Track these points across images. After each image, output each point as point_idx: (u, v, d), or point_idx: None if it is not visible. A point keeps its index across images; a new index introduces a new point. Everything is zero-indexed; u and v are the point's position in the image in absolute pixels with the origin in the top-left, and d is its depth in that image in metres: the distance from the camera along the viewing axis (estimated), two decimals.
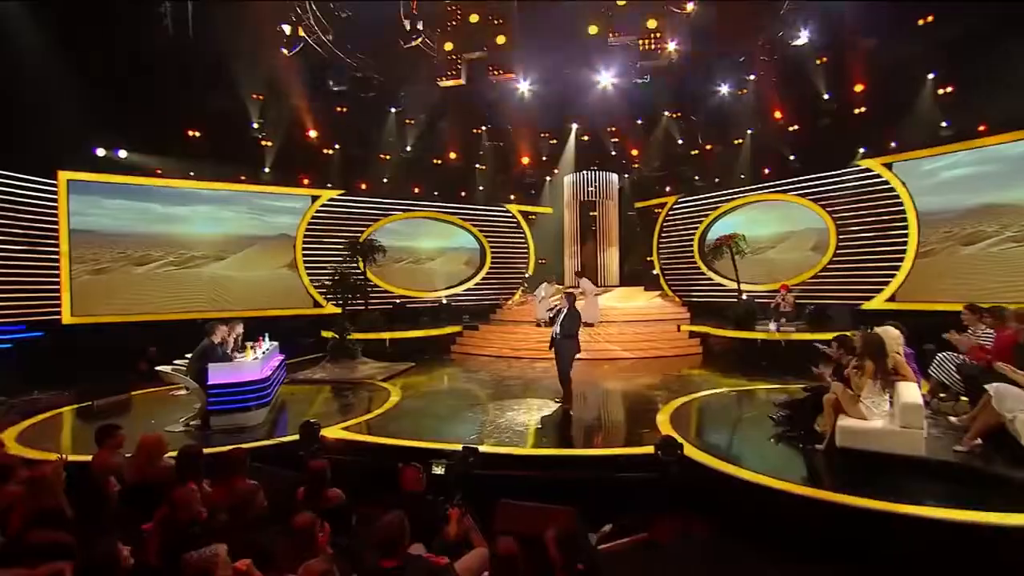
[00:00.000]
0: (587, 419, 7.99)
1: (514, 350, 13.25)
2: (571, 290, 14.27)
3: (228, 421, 7.48)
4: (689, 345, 13.14)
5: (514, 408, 8.43)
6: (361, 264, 14.63)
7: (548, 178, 18.94)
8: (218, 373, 7.58)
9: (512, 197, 19.39)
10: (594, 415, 8.46)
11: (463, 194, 18.46)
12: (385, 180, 17.02)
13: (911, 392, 5.53)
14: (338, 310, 14.59)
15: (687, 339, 13.30)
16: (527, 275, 18.51)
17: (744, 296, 13.88)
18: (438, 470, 5.52)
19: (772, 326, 12.45)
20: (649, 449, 5.99)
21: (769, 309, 13.25)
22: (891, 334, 5.99)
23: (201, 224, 14.75)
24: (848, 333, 6.91)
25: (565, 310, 7.93)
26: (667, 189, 18.22)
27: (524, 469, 6.19)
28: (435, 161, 17.33)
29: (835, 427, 5.74)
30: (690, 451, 6.03)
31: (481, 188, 18.48)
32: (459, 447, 5.97)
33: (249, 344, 8.33)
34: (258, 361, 8.15)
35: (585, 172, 18.02)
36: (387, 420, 8.12)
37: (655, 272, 18.01)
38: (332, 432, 7.34)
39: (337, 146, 15.63)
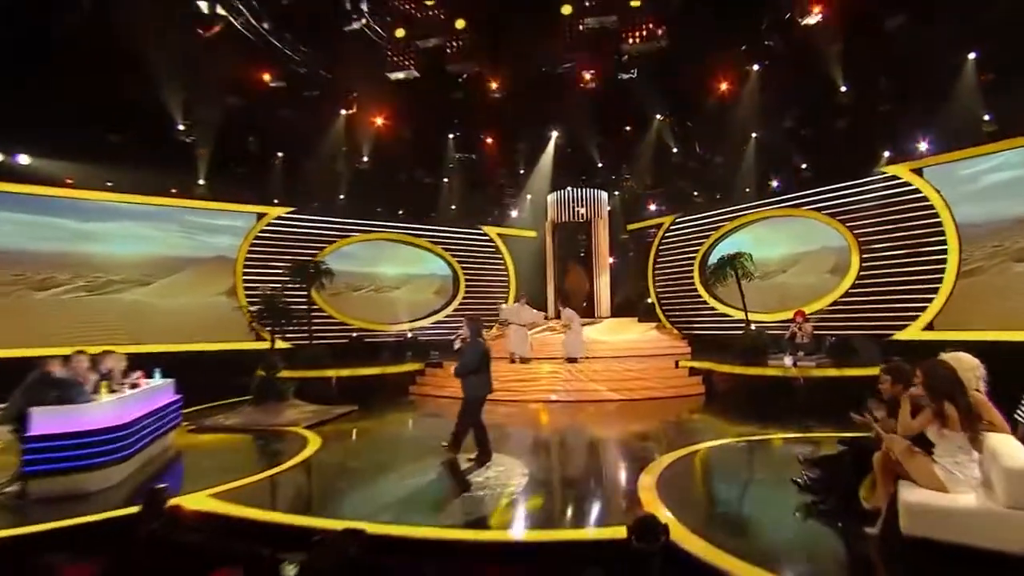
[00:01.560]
0: (546, 482, 6.29)
1: None
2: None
3: (55, 486, 5.52)
4: (689, 384, 11.82)
5: (458, 472, 6.74)
6: (312, 290, 13.34)
7: (529, 196, 17.81)
8: (46, 419, 5.67)
9: (490, 218, 18.39)
10: (558, 475, 6.75)
11: (433, 214, 17.24)
12: (342, 197, 15.69)
13: (1014, 450, 3.58)
14: (286, 344, 13.20)
15: (686, 377, 11.98)
16: (504, 305, 16.51)
17: (752, 326, 12.49)
18: (289, 573, 3.54)
19: (788, 360, 10.92)
20: (621, 532, 4.02)
21: (783, 341, 11.76)
22: (966, 363, 4.23)
23: (122, 243, 13.10)
24: (895, 359, 5.02)
25: (470, 339, 6.73)
26: (662, 208, 17.33)
27: (436, 556, 4.25)
28: (399, 175, 16.02)
29: (896, 501, 3.78)
30: (679, 534, 4.14)
31: (453, 207, 17.34)
32: (342, 527, 3.99)
33: (105, 381, 6.39)
34: (115, 403, 6.25)
35: (571, 189, 17.06)
36: (278, 483, 6.45)
37: (650, 301, 16.65)
38: (195, 500, 5.40)
39: (280, 154, 13.97)
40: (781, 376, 10.70)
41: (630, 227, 18.06)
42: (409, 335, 15.65)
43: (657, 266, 17.09)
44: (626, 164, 16.22)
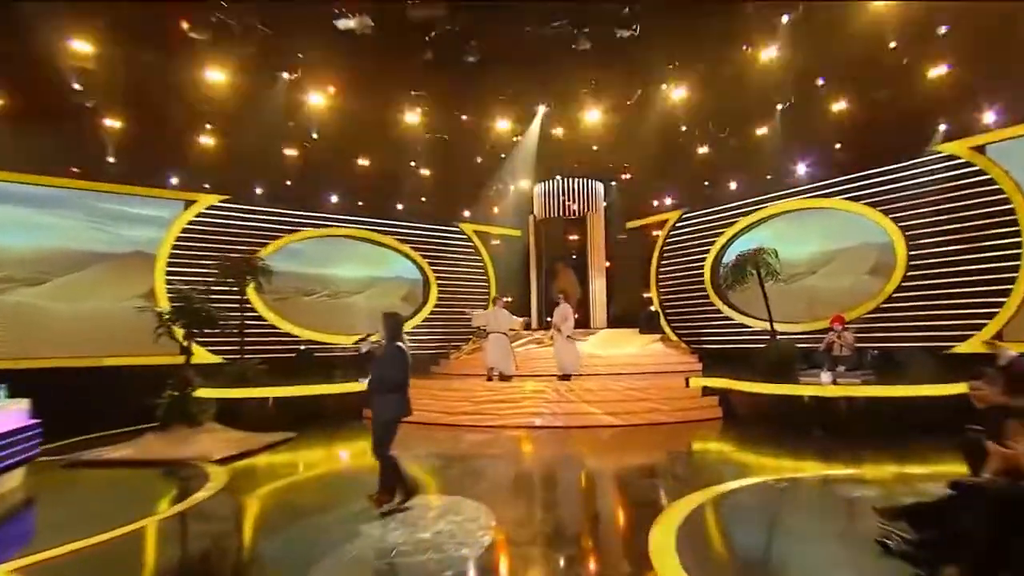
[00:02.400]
0: (521, 539, 4.84)
1: (447, 414, 10.65)
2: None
3: None
4: (702, 406, 10.83)
5: (393, 523, 5.28)
6: (247, 291, 12.30)
7: (512, 187, 17.04)
8: None
9: (466, 212, 17.43)
10: (538, 529, 5.22)
11: (399, 206, 16.36)
12: (288, 183, 14.39)
13: None
14: (216, 358, 12.31)
15: (698, 398, 11.00)
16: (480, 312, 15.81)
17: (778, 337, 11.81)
18: None
19: (825, 377, 9.81)
20: None
21: (817, 353, 10.70)
22: None
23: (6, 234, 11.38)
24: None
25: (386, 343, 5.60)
26: (668, 201, 16.55)
27: None
28: (357, 158, 14.64)
29: None
30: None
31: (423, 199, 16.33)
32: None
33: None
34: None
35: (560, 179, 16.18)
36: (123, 548, 4.87)
37: (653, 310, 15.85)
38: None
39: (210, 126, 12.46)
40: (817, 396, 9.56)
41: (630, 225, 17.37)
42: (364, 349, 14.22)
43: (661, 269, 16.60)
44: (627, 147, 14.91)
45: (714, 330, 15.04)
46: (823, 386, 9.66)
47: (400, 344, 5.43)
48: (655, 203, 16.80)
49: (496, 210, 17.86)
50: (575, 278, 15.65)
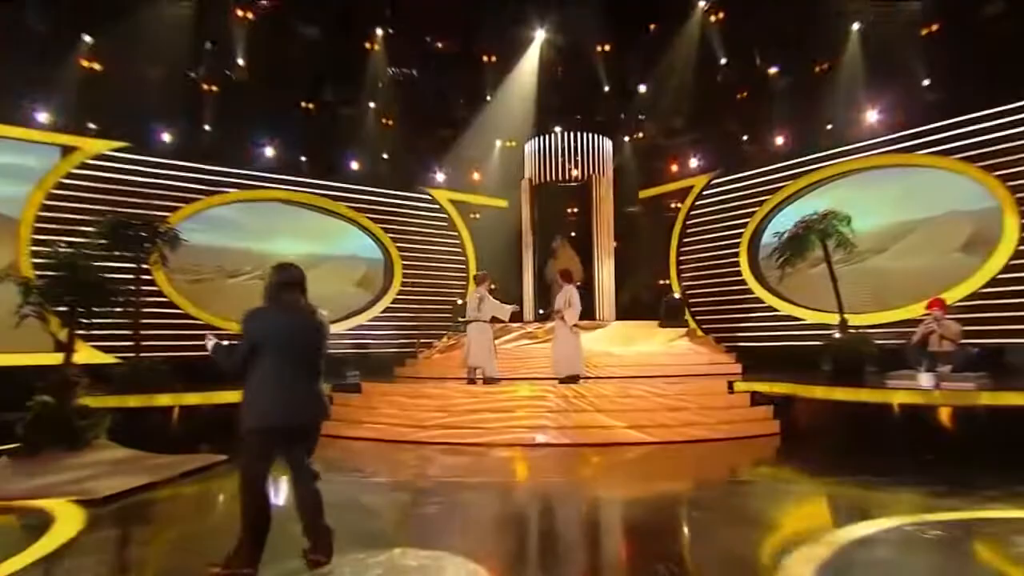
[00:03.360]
0: None
1: (417, 428, 9.63)
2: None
3: None
4: (753, 419, 9.97)
5: None
6: (156, 270, 11.34)
7: (499, 143, 16.60)
8: None
9: (440, 175, 16.79)
10: None
11: (354, 166, 15.56)
12: (207, 128, 13.25)
13: None
14: (108, 358, 11.15)
15: (747, 407, 10.18)
16: (461, 302, 15.78)
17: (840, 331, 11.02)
18: None
19: (926, 380, 8.49)
20: None
21: (911, 347, 9.60)
22: None
23: None
24: None
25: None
26: (694, 163, 15.92)
27: None
28: (300, 99, 13.88)
29: None
30: None
31: (386, 156, 15.71)
32: None
33: None
34: None
35: (558, 134, 15.23)
36: None
37: (677, 297, 15.15)
38: None
39: (90, 39, 11.05)
40: (916, 405, 8.41)
41: (644, 193, 17.03)
42: (209, 347, 13.37)
43: (684, 249, 16.24)
44: (646, 92, 14.45)
45: (752, 323, 14.41)
46: (924, 392, 8.38)
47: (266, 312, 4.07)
48: (674, 167, 16.26)
49: (477, 176, 17.34)
50: (576, 258, 14.45)
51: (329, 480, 4.55)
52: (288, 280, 4.11)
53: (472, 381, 10.66)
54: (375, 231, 15.80)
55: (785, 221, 13.36)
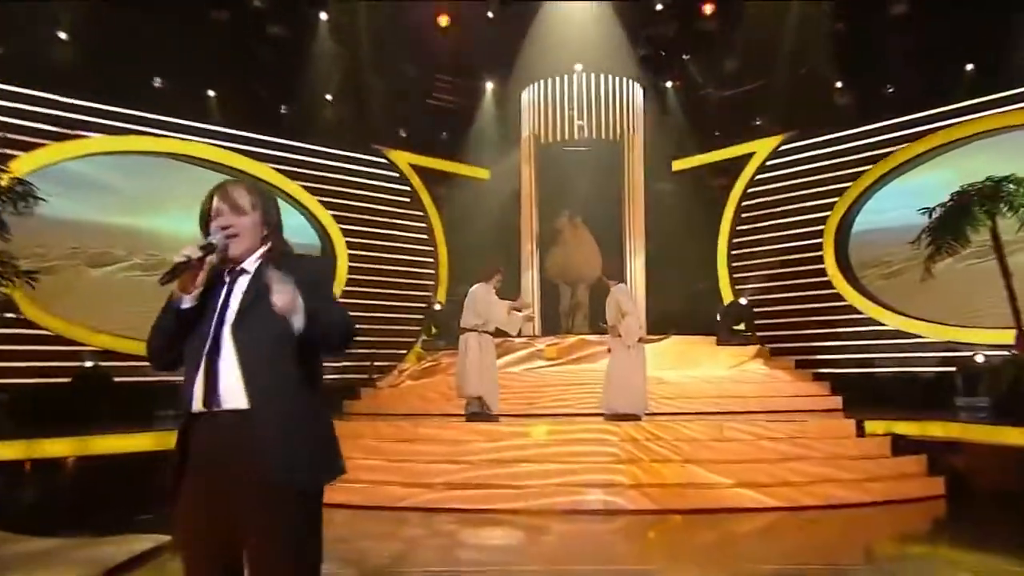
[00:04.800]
0: None
1: (418, 487, 9.06)
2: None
3: None
4: (900, 474, 9.64)
5: None
6: None
7: (490, 86, 16.73)
8: None
9: (401, 134, 16.57)
10: None
11: (283, 110, 15.19)
12: (62, 37, 12.77)
13: None
14: None
15: (886, 456, 9.92)
16: (436, 306, 16.02)
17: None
18: None
19: None
20: None
21: None
22: None
23: None
24: None
25: None
26: (756, 122, 15.95)
27: None
28: (213, 14, 13.73)
29: None
30: None
31: (330, 98, 15.57)
32: None
33: None
34: None
35: (571, 76, 15.11)
36: None
37: (744, 303, 14.98)
38: None
39: None
40: None
41: (678, 165, 16.83)
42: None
43: (739, 239, 16.15)
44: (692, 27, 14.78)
45: (845, 341, 14.28)
46: None
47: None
48: (727, 127, 16.21)
49: (445, 134, 17.15)
50: (595, 244, 14.66)
51: None
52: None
53: (477, 416, 10.19)
54: (310, 205, 15.20)
55: (892, 198, 13.88)
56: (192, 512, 2.25)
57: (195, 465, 2.27)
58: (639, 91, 15.15)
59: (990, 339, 12.19)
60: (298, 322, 2.14)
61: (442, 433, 10.28)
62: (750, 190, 15.83)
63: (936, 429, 9.87)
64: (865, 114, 14.47)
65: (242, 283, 2.39)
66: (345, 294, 15.13)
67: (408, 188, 16.40)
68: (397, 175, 16.29)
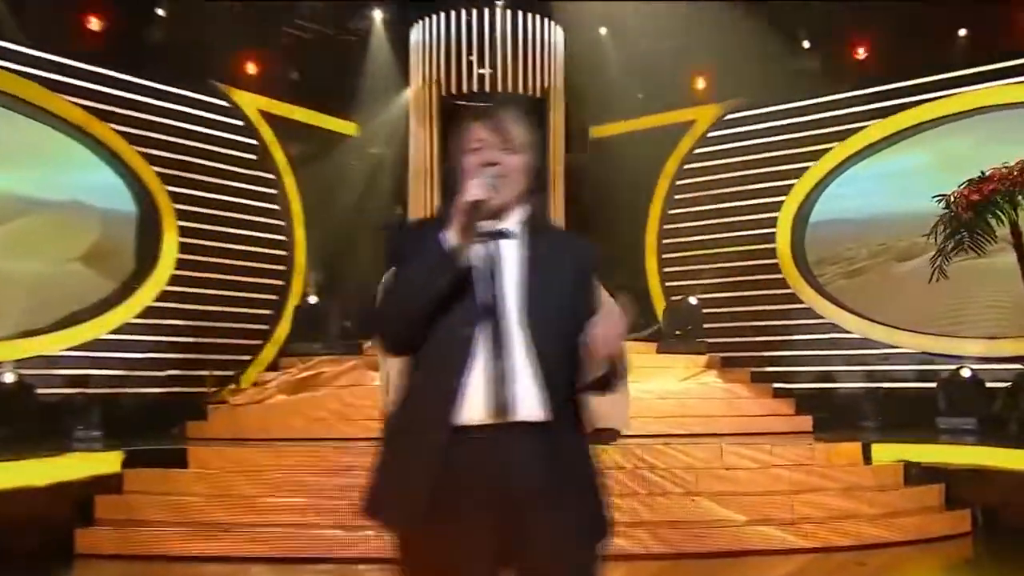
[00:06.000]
0: None
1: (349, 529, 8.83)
2: None
3: None
4: (921, 507, 10.04)
5: None
6: None
7: (377, 14, 16.27)
8: None
9: (251, 68, 15.94)
10: None
11: (96, 27, 14.12)
12: None
13: None
14: None
15: (898, 488, 10.33)
16: (311, 300, 15.19)
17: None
18: None
19: None
20: None
21: None
22: None
23: None
24: None
25: None
26: (699, 85, 16.17)
27: None
28: None
29: None
30: None
31: (163, 16, 14.62)
32: None
33: None
34: None
35: (478, 11, 15.11)
36: None
37: (695, 303, 14.81)
38: None
39: None
40: None
41: (599, 131, 16.93)
42: (9, 379, 13.08)
43: (671, 226, 16.34)
44: None
45: (803, 351, 14.55)
46: None
47: None
48: (661, 90, 16.05)
49: (297, 74, 16.46)
50: None
51: None
52: None
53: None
54: (127, 157, 13.88)
55: (855, 187, 14.17)
56: (463, 536, 2.25)
57: (465, 485, 2.23)
58: (560, 35, 15.04)
59: (976, 351, 12.61)
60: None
61: (365, 461, 9.52)
62: (687, 166, 15.86)
63: (956, 455, 10.19)
64: (831, 81, 14.64)
65: (510, 252, 2.30)
66: (172, 281, 14.24)
67: (256, 143, 15.50)
68: (242, 123, 15.37)
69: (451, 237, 2.14)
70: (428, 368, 2.26)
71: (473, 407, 2.15)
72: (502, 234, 2.31)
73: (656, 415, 11.96)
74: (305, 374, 12.67)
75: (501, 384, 2.13)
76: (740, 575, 8.18)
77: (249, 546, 8.51)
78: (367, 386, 11.97)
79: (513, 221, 2.32)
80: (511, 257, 2.29)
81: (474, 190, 2.17)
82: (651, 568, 8.05)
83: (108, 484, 9.86)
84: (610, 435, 9.21)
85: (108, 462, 10.04)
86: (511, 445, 2.22)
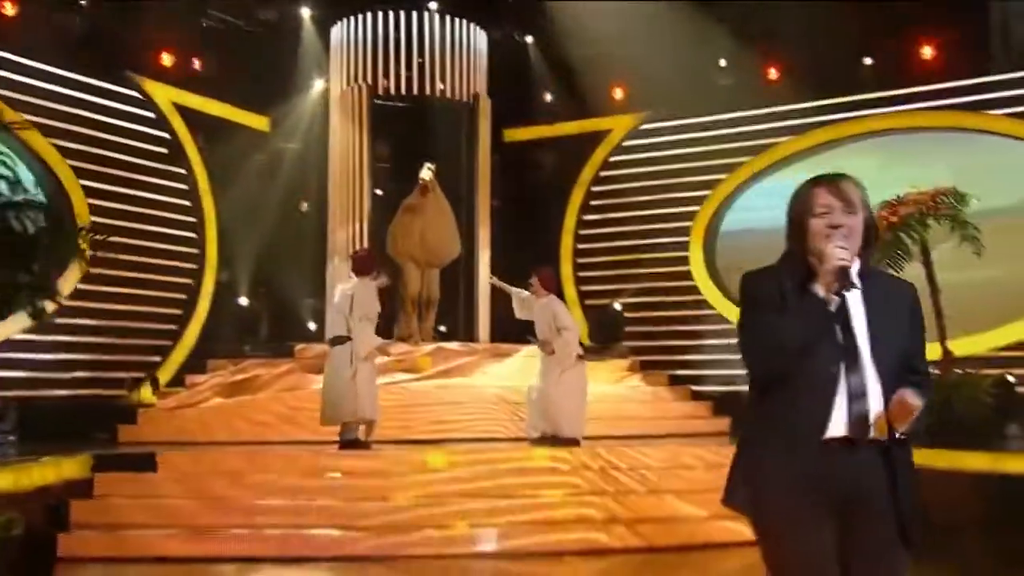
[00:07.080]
0: None
1: (340, 528, 9.19)
2: None
3: None
4: None
5: None
6: None
7: (305, 11, 16.31)
8: None
9: (168, 61, 15.59)
10: None
11: (9, 11, 13.82)
12: None
13: None
14: None
15: None
16: (241, 301, 16.05)
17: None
18: None
19: None
20: None
21: None
22: None
23: None
24: None
25: None
26: (617, 94, 16.43)
27: None
28: None
29: None
30: None
31: (83, 2, 14.52)
32: None
33: None
34: None
35: (399, 13, 15.25)
36: None
37: (618, 309, 15.47)
38: None
39: None
40: None
41: (512, 135, 17.05)
42: None
43: (587, 231, 16.58)
44: None
45: (715, 355, 14.58)
46: None
47: None
48: (579, 96, 16.47)
49: (230, 68, 16.27)
50: (443, 222, 14.06)
51: None
52: None
53: (353, 444, 10.00)
54: (39, 148, 13.48)
55: (765, 200, 14.25)
56: (821, 531, 2.54)
57: (816, 488, 2.53)
58: (483, 39, 15.24)
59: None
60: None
61: (337, 463, 9.80)
62: (603, 174, 16.08)
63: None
64: (746, 98, 14.97)
65: (855, 299, 2.58)
66: (89, 278, 13.26)
67: (168, 136, 15.26)
68: (153, 116, 15.13)
69: (820, 291, 2.50)
70: (798, 393, 2.56)
71: (838, 426, 2.48)
72: (852, 285, 2.58)
73: (595, 416, 11.78)
74: (239, 377, 12.59)
75: (860, 410, 2.46)
76: (708, 565, 8.52)
77: (236, 546, 8.49)
78: (308, 389, 11.95)
79: (854, 272, 2.57)
80: (856, 303, 2.59)
81: (841, 254, 2.48)
82: (642, 560, 8.44)
83: (79, 489, 9.65)
84: (571, 441, 10.14)
85: (79, 466, 9.79)
86: (864, 457, 2.54)
